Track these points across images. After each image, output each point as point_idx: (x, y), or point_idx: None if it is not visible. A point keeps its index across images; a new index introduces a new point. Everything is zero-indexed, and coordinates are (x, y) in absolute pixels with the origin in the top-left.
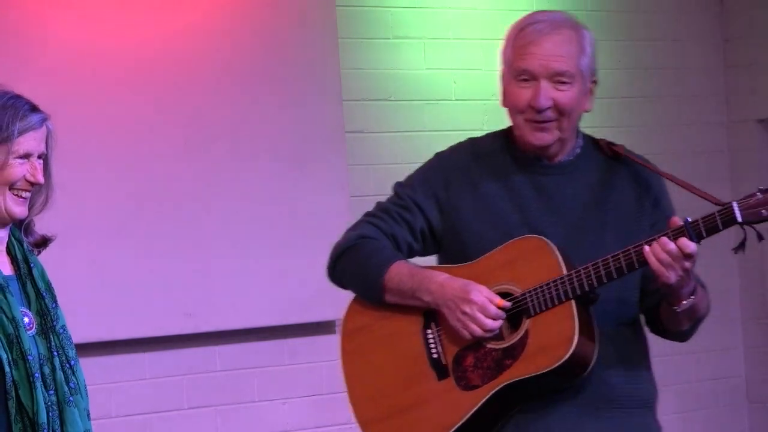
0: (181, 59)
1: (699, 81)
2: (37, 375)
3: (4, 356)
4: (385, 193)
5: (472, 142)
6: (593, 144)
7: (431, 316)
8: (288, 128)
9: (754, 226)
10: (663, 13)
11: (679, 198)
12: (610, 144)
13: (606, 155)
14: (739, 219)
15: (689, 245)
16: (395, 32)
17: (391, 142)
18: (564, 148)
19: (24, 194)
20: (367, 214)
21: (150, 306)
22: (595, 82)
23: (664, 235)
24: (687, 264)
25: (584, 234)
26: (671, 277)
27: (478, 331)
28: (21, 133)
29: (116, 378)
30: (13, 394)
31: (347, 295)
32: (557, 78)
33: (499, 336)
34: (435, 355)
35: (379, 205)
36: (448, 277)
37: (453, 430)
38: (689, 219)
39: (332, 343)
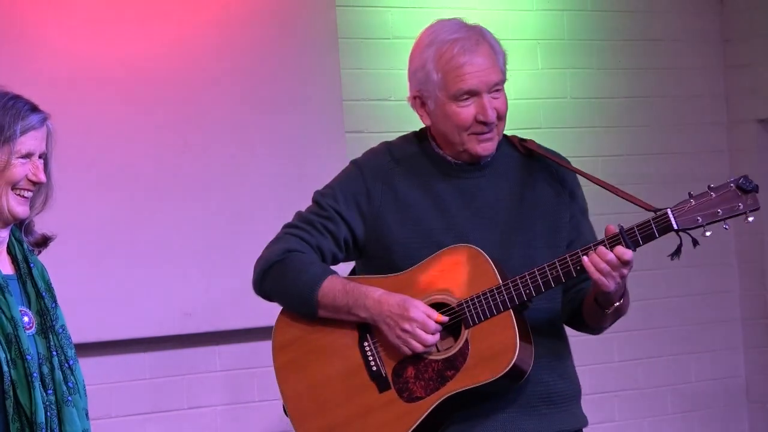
0: (182, 60)
1: (699, 81)
2: (35, 375)
3: (3, 356)
4: None
5: (387, 147)
6: (506, 141)
7: (365, 328)
8: (288, 128)
9: (689, 231)
10: (663, 13)
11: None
12: (521, 140)
13: (519, 152)
14: (675, 226)
15: (626, 253)
16: (395, 32)
17: None
18: None
19: (26, 194)
20: (290, 226)
21: (150, 306)
22: None
23: (600, 244)
24: (625, 271)
25: (511, 234)
26: (611, 285)
27: (420, 348)
28: (23, 132)
29: (116, 378)
30: (11, 393)
31: None
32: (494, 88)
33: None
34: (374, 368)
35: (300, 216)
36: (383, 293)
37: None
38: (624, 226)
39: None
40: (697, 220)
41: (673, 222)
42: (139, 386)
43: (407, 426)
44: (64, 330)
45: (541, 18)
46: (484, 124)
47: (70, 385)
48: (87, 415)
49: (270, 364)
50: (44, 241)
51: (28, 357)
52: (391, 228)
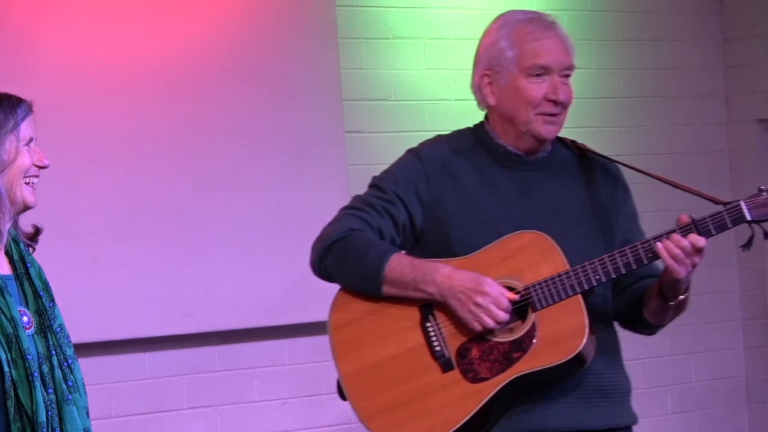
0: (182, 59)
1: (699, 81)
2: (36, 374)
3: (3, 356)
4: None
5: (445, 138)
6: (559, 141)
7: (428, 309)
8: (288, 128)
9: (762, 223)
10: (663, 13)
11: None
12: (573, 142)
13: (573, 152)
14: (749, 217)
15: (701, 240)
16: (395, 32)
17: (391, 142)
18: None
19: (35, 180)
20: (350, 208)
21: (150, 306)
22: None
23: (673, 232)
24: (697, 259)
25: (568, 228)
26: (683, 272)
27: (491, 323)
28: (23, 119)
29: (116, 378)
30: (12, 393)
31: None
32: (565, 72)
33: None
34: (438, 348)
35: (360, 198)
36: (453, 269)
37: (466, 419)
38: (695, 217)
39: None
40: None
41: (747, 213)
42: (139, 386)
43: (474, 405)
44: (62, 329)
45: None
46: (554, 103)
47: (70, 383)
48: (87, 413)
49: (269, 364)
50: (36, 233)
51: (29, 357)
52: (450, 214)
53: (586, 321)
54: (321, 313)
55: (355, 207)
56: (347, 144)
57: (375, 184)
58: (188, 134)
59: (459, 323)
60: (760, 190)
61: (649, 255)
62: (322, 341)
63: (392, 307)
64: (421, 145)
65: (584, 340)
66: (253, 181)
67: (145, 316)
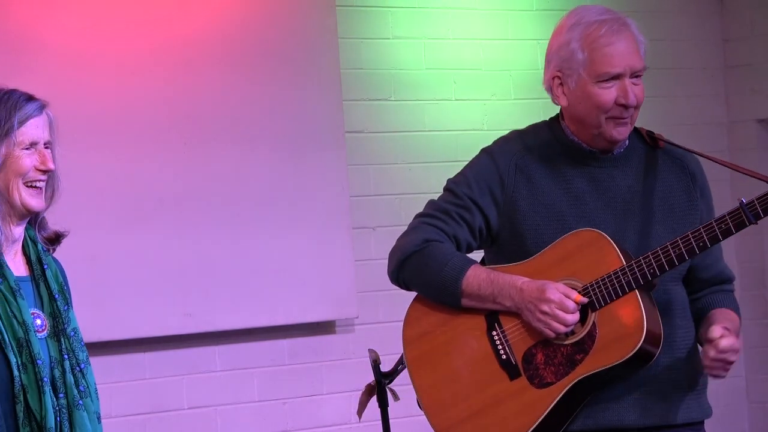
0: (182, 59)
1: (699, 81)
2: (46, 379)
3: (14, 360)
4: (385, 193)
5: (519, 135)
6: (636, 134)
7: (494, 317)
8: (288, 128)
9: None
10: (663, 13)
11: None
12: (650, 133)
13: (649, 145)
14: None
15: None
16: (395, 32)
17: (391, 142)
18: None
19: (38, 184)
20: (425, 215)
21: (150, 306)
22: None
23: (722, 221)
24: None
25: (644, 225)
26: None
27: (561, 328)
28: (21, 123)
29: (116, 378)
30: (22, 398)
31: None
32: (635, 74)
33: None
34: (504, 356)
35: (435, 205)
36: (526, 281)
37: (534, 426)
38: (744, 200)
39: (332, 343)
40: None
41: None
42: (139, 386)
43: (541, 412)
44: (75, 333)
45: (541, 18)
46: (624, 107)
47: (82, 388)
48: (99, 418)
49: (269, 364)
50: (57, 238)
51: (39, 362)
52: (524, 213)
53: (644, 318)
54: (321, 314)
55: (430, 215)
56: (347, 144)
57: (449, 189)
58: (188, 134)
59: (524, 329)
60: None
61: (700, 244)
62: (322, 341)
63: (460, 317)
64: (495, 143)
65: (642, 338)
66: (252, 181)
67: (145, 316)
